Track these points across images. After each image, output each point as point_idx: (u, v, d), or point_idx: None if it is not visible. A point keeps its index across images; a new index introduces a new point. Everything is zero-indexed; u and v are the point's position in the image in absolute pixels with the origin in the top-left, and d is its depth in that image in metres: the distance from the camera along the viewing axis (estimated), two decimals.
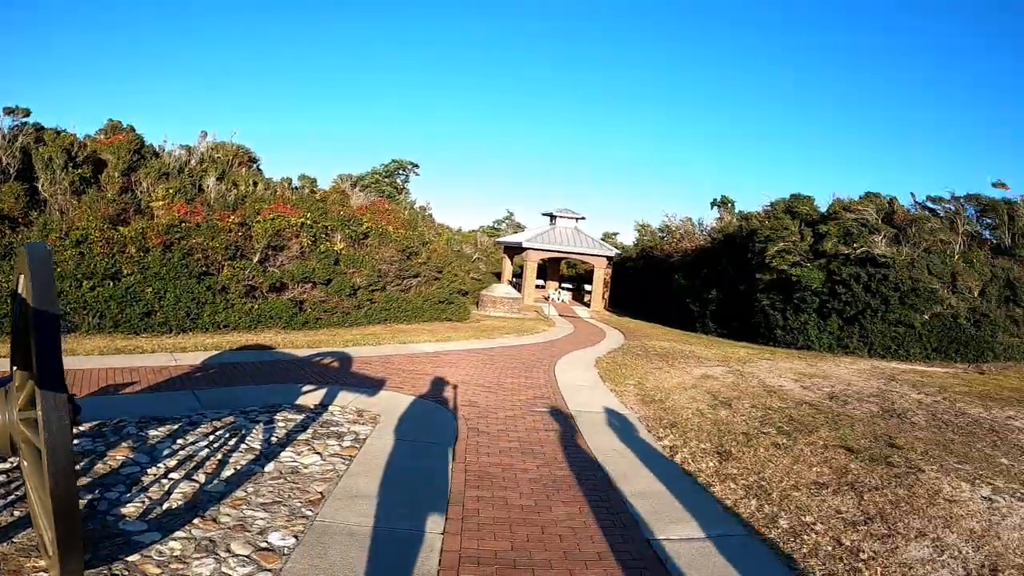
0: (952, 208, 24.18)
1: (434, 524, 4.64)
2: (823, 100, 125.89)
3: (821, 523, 4.99)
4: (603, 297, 34.84)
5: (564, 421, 7.80)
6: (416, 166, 58.95)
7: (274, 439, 6.48)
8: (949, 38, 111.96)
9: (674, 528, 4.74)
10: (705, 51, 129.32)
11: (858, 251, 20.07)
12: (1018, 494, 5.91)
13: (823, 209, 23.29)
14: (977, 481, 6.12)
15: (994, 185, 24.46)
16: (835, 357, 18.01)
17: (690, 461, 6.36)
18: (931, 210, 24.73)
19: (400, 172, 58.06)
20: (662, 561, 4.20)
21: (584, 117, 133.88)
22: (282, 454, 6.00)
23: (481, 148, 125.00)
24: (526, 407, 8.43)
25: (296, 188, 22.49)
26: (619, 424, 7.81)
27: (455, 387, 9.66)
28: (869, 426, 8.13)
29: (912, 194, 26.09)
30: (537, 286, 37.10)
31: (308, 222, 17.92)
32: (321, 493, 5.06)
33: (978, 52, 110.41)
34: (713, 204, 45.34)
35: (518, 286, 34.63)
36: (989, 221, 24.14)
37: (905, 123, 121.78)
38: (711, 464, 6.31)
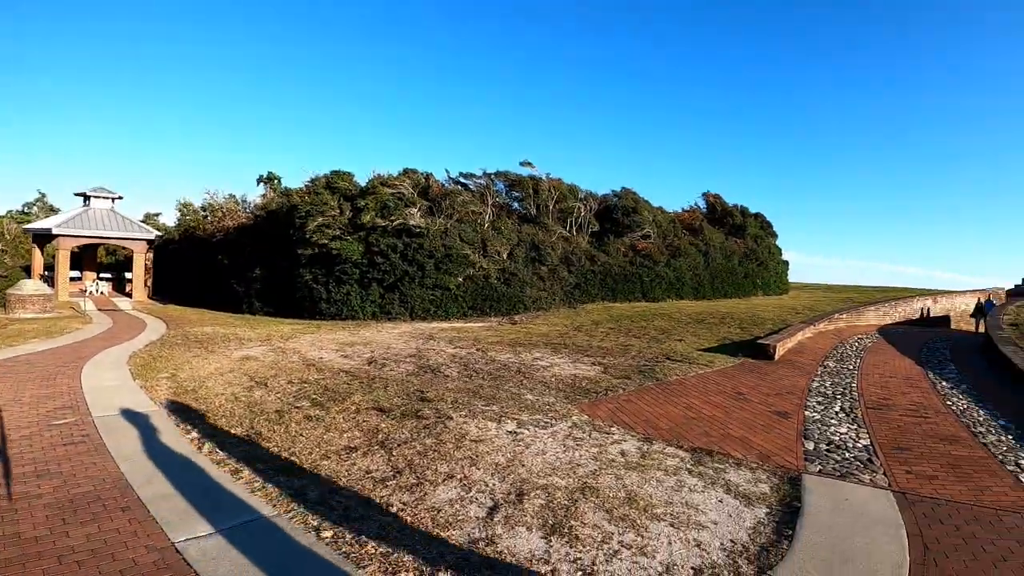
0: (483, 183, 28.18)
1: None
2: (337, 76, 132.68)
3: (353, 486, 5.08)
4: (146, 285, 31.61)
5: (87, 430, 6.92)
6: None
7: None
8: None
9: (199, 525, 4.50)
10: (246, 28, 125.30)
11: (395, 223, 21.54)
12: (541, 423, 6.81)
13: (364, 184, 24.43)
14: (504, 419, 6.87)
15: (522, 164, 29.02)
16: (379, 324, 19.05)
17: (217, 451, 6.08)
18: (464, 185, 28.33)
19: None
20: (188, 563, 4.00)
21: (123, 83, 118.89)
22: None
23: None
24: (44, 422, 7.28)
25: None
26: (146, 424, 7.22)
27: None
28: (403, 385, 8.65)
29: (447, 170, 29.27)
30: (73, 278, 31.95)
31: None
32: None
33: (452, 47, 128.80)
34: (259, 181, 44.42)
35: (51, 280, 29.64)
36: (517, 194, 28.82)
37: (452, 108, 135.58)
38: (241, 450, 6.16)
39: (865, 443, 7.31)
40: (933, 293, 32.19)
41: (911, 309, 27.15)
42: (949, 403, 9.90)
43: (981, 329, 23.48)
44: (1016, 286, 46.01)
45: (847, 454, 6.86)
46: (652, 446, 6.32)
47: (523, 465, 5.47)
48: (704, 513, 4.79)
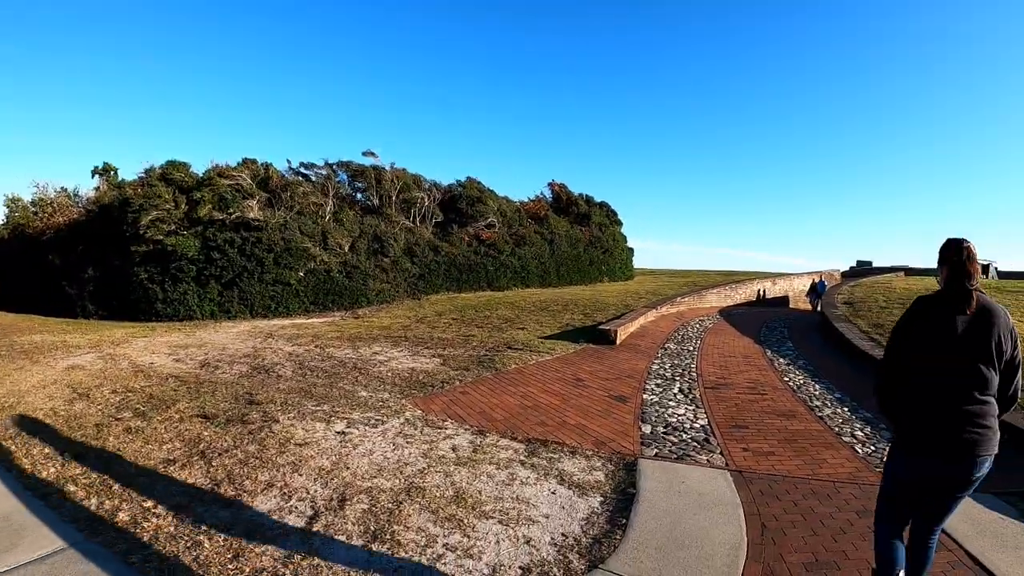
0: (325, 173, 27.58)
1: None
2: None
3: (160, 505, 4.72)
4: None
5: None
6: None
7: None
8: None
9: (5, 557, 4.28)
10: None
11: (233, 216, 20.78)
12: (372, 421, 6.72)
13: (201, 175, 23.02)
14: (333, 419, 6.76)
15: (364, 154, 28.65)
16: (217, 323, 18.38)
17: (33, 472, 5.80)
18: (305, 175, 27.50)
19: None
20: None
21: None
22: None
23: None
24: None
25: None
26: None
27: None
28: (233, 388, 8.38)
29: (288, 160, 28.36)
30: None
31: None
32: None
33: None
34: (94, 173, 41.35)
35: None
36: (360, 185, 28.35)
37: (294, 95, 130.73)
38: (53, 470, 5.80)
39: (703, 423, 7.47)
40: (773, 276, 35.23)
41: (751, 291, 29.56)
42: (787, 379, 10.37)
43: (818, 308, 26.06)
44: (851, 268, 51.33)
45: (684, 435, 6.93)
46: (485, 439, 6.34)
47: (348, 468, 5.36)
48: (536, 507, 4.76)
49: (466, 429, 6.69)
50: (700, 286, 27.60)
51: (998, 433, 3.17)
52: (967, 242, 3.26)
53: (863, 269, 49.98)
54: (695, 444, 6.67)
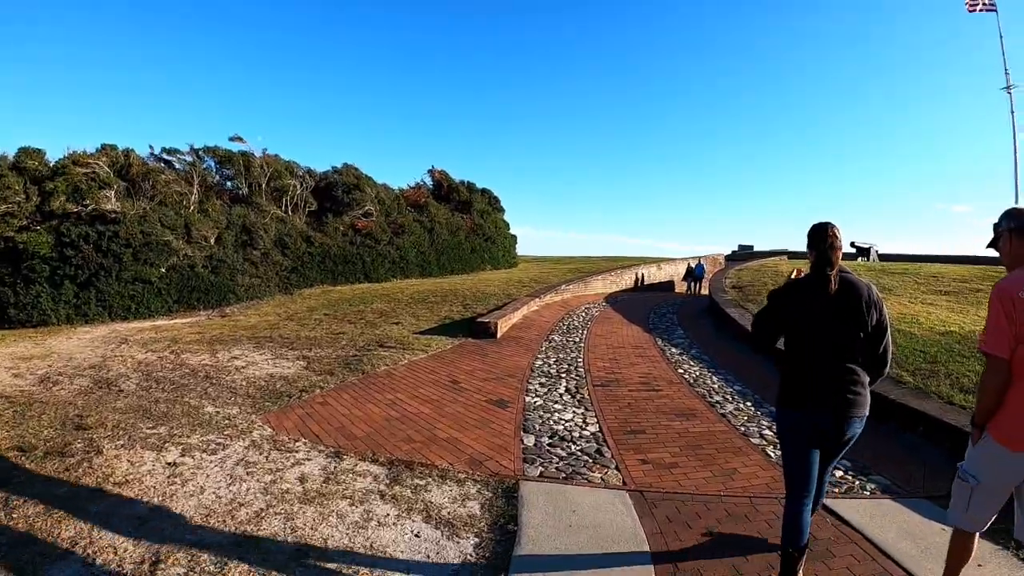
0: (190, 160, 25.69)
1: None
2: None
3: None
4: None
5: None
6: None
7: None
8: None
9: None
10: None
11: (89, 208, 19.11)
12: (211, 446, 5.93)
13: (55, 163, 21.07)
14: (168, 445, 5.94)
15: (232, 139, 27.07)
16: (72, 328, 16.82)
17: None
18: (168, 162, 25.42)
19: None
20: None
21: None
22: None
23: None
24: None
25: None
26: None
27: None
28: (64, 409, 7.34)
29: (151, 146, 26.38)
30: None
31: None
32: None
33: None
34: None
35: None
36: (229, 172, 26.73)
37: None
38: None
39: (594, 430, 6.79)
40: (658, 261, 36.14)
41: (636, 276, 30.22)
42: (681, 371, 9.96)
43: (701, 291, 26.66)
44: (733, 252, 53.56)
45: (573, 447, 6.21)
46: (341, 463, 5.59)
47: (170, 515, 4.50)
48: (394, 558, 3.97)
49: (320, 451, 5.94)
50: (585, 272, 27.91)
51: (868, 396, 3.60)
52: (832, 226, 3.60)
53: (746, 253, 52.36)
54: (586, 458, 5.94)
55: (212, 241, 21.50)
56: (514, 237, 38.64)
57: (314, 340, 12.22)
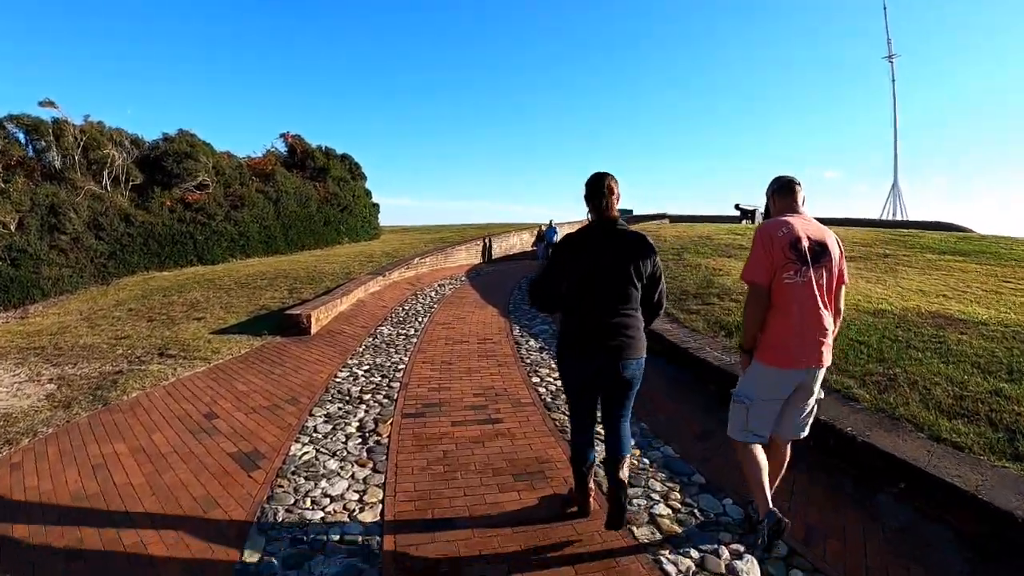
0: None
1: None
2: None
3: None
4: None
5: None
6: None
7: None
8: None
9: None
10: None
11: None
12: None
13: None
14: None
15: (41, 104, 23.53)
16: None
17: None
18: None
19: None
20: None
21: None
22: None
23: None
24: None
25: None
26: None
27: None
28: None
29: None
30: None
31: None
32: None
33: None
34: None
35: None
36: (41, 144, 23.10)
37: None
38: None
39: (370, 519, 4.41)
40: (534, 226, 35.10)
41: (508, 244, 28.94)
42: (536, 379, 7.79)
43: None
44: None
45: (326, 566, 3.80)
46: None
47: None
48: None
49: None
50: (450, 243, 26.49)
51: (644, 340, 3.87)
52: (608, 176, 3.75)
53: (625, 218, 51.99)
54: None
55: (13, 228, 18.77)
56: (375, 206, 36.49)
57: (89, 350, 10.35)
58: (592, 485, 4.33)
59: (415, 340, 10.52)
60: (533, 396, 7.33)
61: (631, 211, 55.71)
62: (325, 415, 6.76)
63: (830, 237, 3.76)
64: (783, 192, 3.92)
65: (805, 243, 3.61)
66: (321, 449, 5.83)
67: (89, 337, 11.48)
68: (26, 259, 18.34)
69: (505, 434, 6.10)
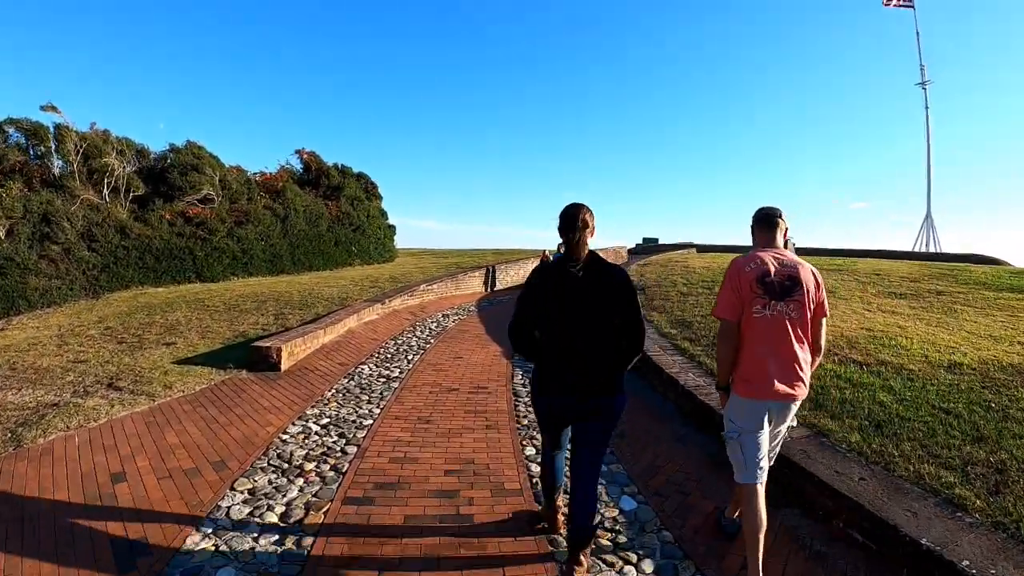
0: None
1: None
2: None
3: None
4: None
5: None
6: None
7: None
8: None
9: None
10: None
11: None
12: None
13: None
14: None
15: (43, 108, 22.85)
16: None
17: None
18: None
19: None
20: None
21: None
22: None
23: None
24: None
25: None
26: None
27: None
28: None
29: None
30: None
31: None
32: None
33: None
34: None
35: None
36: (41, 150, 22.46)
37: None
38: None
39: None
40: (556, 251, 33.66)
41: (525, 272, 26.99)
42: (528, 455, 6.22)
43: None
44: (637, 244, 52.40)
45: None
46: None
47: None
48: None
49: None
50: (463, 268, 25.29)
51: (616, 379, 3.66)
52: (582, 208, 3.57)
53: (651, 246, 51.10)
54: None
55: (2, 235, 17.94)
56: (391, 227, 35.43)
57: (41, 373, 9.29)
58: (561, 503, 4.51)
59: (396, 384, 9.13)
60: (522, 479, 5.60)
61: (657, 240, 54.53)
62: (248, 491, 5.32)
63: (804, 269, 3.72)
64: (762, 225, 3.93)
65: (775, 277, 3.63)
66: (222, 547, 4.32)
67: (50, 358, 10.43)
68: (13, 268, 17.47)
69: (474, 545, 4.34)
